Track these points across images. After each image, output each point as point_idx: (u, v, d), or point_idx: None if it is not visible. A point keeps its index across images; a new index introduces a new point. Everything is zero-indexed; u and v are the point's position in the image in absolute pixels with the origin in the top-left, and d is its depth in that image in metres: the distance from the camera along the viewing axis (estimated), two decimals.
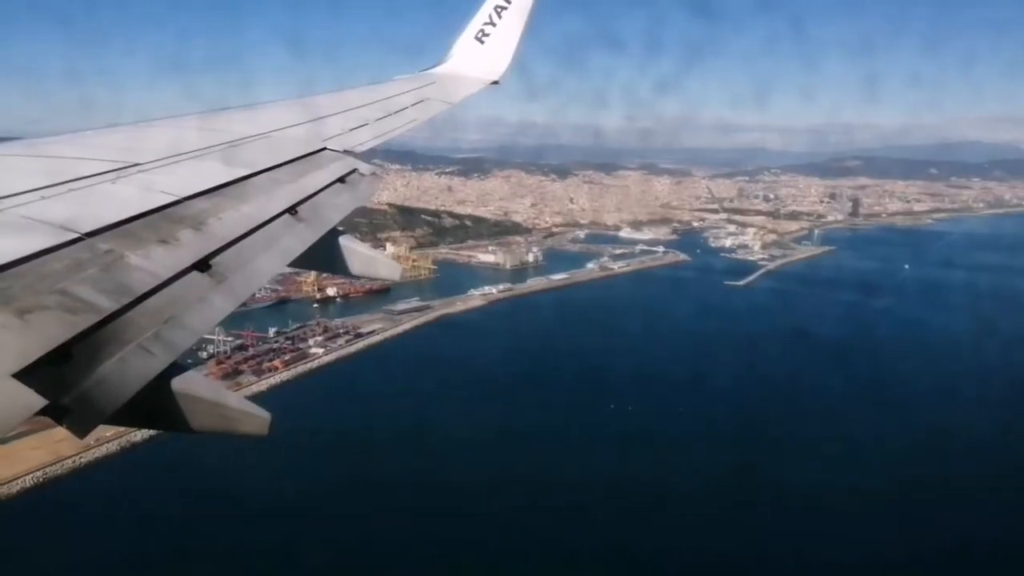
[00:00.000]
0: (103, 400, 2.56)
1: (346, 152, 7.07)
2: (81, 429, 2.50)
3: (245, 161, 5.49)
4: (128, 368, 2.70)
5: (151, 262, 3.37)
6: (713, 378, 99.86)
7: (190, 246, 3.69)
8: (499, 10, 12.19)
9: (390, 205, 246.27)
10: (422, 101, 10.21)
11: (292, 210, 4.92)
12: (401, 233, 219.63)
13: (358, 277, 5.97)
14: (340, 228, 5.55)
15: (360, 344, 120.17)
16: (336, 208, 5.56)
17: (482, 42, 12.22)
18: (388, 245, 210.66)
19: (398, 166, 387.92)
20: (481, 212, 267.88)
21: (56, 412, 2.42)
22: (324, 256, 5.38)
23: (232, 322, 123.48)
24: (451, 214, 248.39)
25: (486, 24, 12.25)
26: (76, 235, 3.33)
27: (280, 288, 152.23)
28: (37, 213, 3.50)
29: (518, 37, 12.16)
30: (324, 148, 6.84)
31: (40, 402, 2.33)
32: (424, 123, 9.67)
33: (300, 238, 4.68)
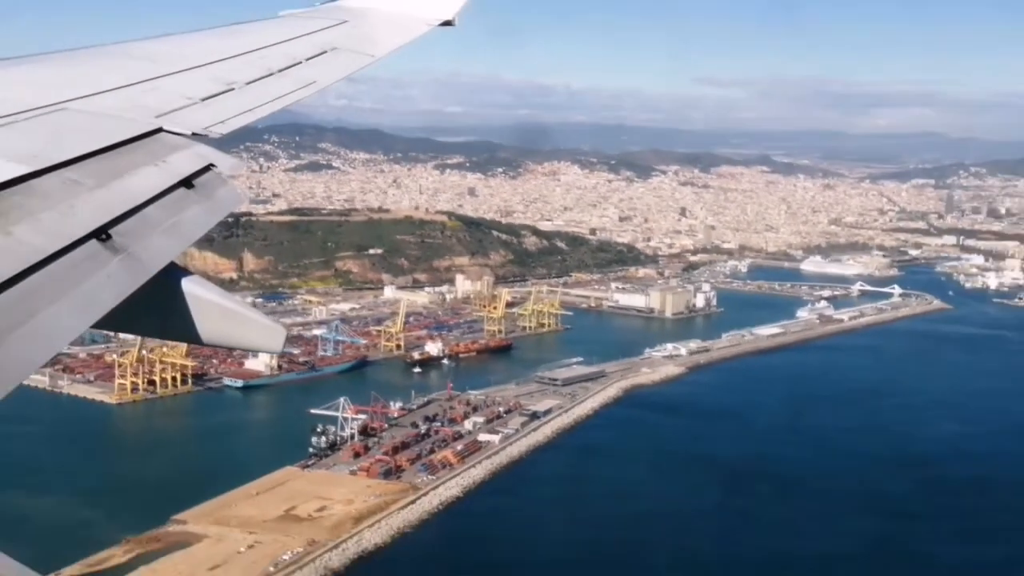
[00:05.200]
0: None
1: (195, 136, 7.15)
2: None
3: (23, 150, 5.43)
4: None
5: None
6: None
7: None
8: None
9: (450, 216, 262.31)
10: (325, 52, 10.58)
11: (101, 234, 4.92)
12: (470, 260, 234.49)
13: (210, 346, 6.21)
14: (182, 266, 5.69)
15: (547, 429, 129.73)
16: (177, 231, 5.62)
17: None
18: (459, 279, 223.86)
19: (365, 154, 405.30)
20: (548, 228, 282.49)
21: None
22: (156, 311, 5.47)
23: (325, 393, 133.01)
24: (537, 231, 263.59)
25: None
26: None
27: (361, 343, 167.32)
28: None
29: None
30: (160, 129, 6.93)
31: None
32: (332, 86, 9.95)
33: (114, 282, 4.67)
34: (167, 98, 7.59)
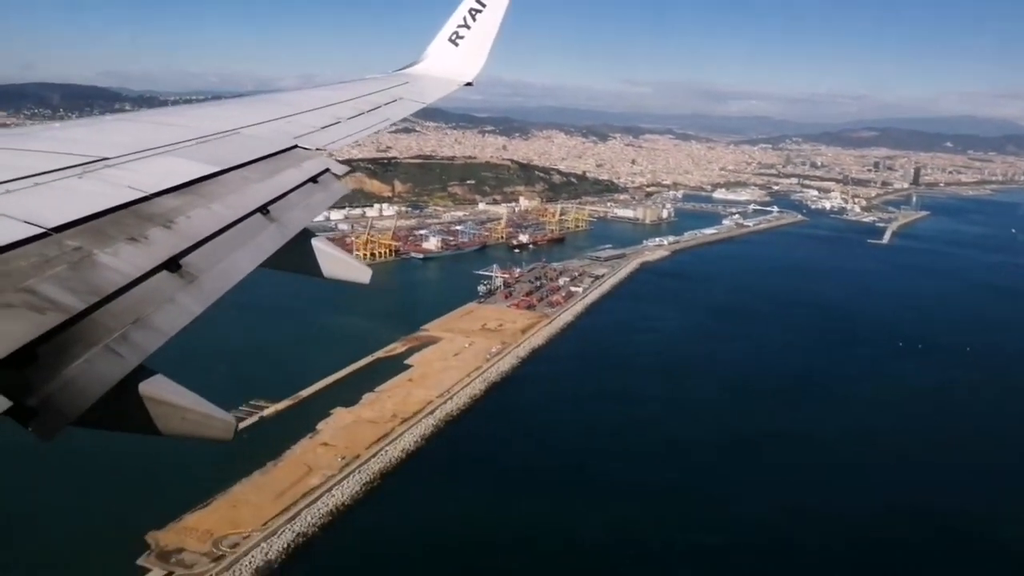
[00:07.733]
0: (69, 402, 2.56)
1: (318, 151, 6.98)
2: (46, 432, 2.48)
3: (215, 158, 5.42)
4: (95, 370, 2.70)
5: (120, 260, 3.37)
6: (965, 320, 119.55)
7: (159, 244, 3.72)
8: (473, 13, 12.63)
9: (512, 161, 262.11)
10: (395, 100, 10.56)
11: (263, 209, 4.93)
12: (524, 188, 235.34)
13: (328, 279, 5.75)
14: (311, 229, 5.54)
15: (606, 285, 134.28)
16: (308, 208, 5.54)
17: (456, 44, 12.75)
18: (522, 200, 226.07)
19: (433, 123, 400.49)
20: (561, 170, 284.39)
21: (21, 414, 2.40)
22: (296, 257, 5.39)
23: (469, 263, 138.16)
24: (558, 172, 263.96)
25: (460, 27, 12.72)
26: (43, 230, 3.33)
27: (484, 233, 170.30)
28: (1, 207, 3.49)
29: (491, 40, 12.66)
30: (295, 146, 6.82)
31: (3, 404, 2.32)
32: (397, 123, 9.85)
33: (271, 238, 4.70)
34: (301, 127, 7.61)
